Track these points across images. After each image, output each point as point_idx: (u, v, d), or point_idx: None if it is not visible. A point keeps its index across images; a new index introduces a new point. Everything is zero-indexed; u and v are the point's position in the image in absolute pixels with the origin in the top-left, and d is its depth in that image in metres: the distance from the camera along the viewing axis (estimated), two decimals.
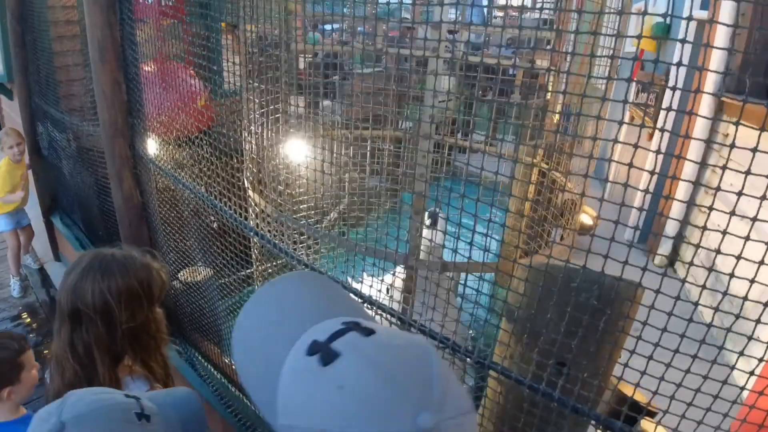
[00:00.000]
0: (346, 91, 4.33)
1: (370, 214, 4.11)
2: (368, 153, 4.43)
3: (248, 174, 2.47)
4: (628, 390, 1.37)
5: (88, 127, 3.54)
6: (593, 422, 1.31)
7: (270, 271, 2.87)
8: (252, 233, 1.96)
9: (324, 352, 0.58)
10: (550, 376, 1.34)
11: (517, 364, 1.45)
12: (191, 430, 1.12)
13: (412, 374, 0.56)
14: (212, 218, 2.14)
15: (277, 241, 1.95)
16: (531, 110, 3.85)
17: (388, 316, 1.68)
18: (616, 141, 1.11)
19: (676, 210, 4.27)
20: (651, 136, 5.08)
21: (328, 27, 5.76)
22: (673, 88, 1.04)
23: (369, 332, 0.60)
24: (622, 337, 1.31)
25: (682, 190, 4.23)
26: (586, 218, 3.84)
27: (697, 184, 2.13)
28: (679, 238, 4.29)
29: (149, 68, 2.54)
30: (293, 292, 0.77)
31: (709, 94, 3.84)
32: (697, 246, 1.13)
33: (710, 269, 1.09)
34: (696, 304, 1.16)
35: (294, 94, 3.28)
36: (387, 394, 0.53)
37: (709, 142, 3.90)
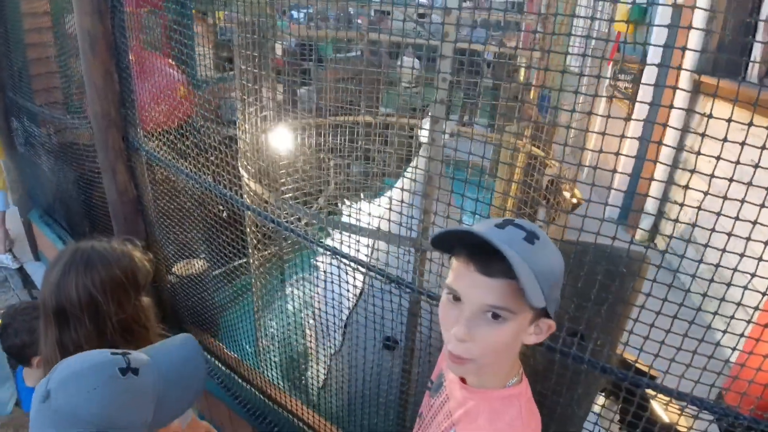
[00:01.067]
0: (321, 78, 4.30)
1: (355, 199, 4.10)
2: (347, 139, 4.42)
3: (244, 160, 2.44)
4: (630, 357, 1.45)
5: (72, 120, 3.45)
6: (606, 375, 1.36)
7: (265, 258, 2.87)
8: (269, 221, 1.94)
9: None
10: (565, 344, 1.39)
11: None
12: (190, 368, 1.14)
13: None
14: (221, 207, 2.12)
15: (296, 229, 1.94)
16: (508, 94, 3.88)
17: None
18: (591, 132, 1.14)
19: (655, 187, 4.35)
20: (629, 114, 5.17)
21: (295, 14, 5.73)
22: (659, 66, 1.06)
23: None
24: (629, 306, 1.38)
25: (660, 170, 4.31)
26: (567, 195, 3.90)
27: (673, 166, 2.19)
28: (659, 216, 4.39)
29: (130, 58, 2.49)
30: None
31: (686, 70, 3.91)
32: (675, 221, 1.22)
33: (688, 241, 1.17)
34: (676, 271, 1.21)
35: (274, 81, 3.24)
36: None
37: (688, 112, 3.97)
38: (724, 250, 1.09)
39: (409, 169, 2.94)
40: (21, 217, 4.85)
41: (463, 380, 1.12)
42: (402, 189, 1.75)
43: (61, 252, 1.51)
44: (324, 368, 2.52)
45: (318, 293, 2.32)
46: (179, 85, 3.43)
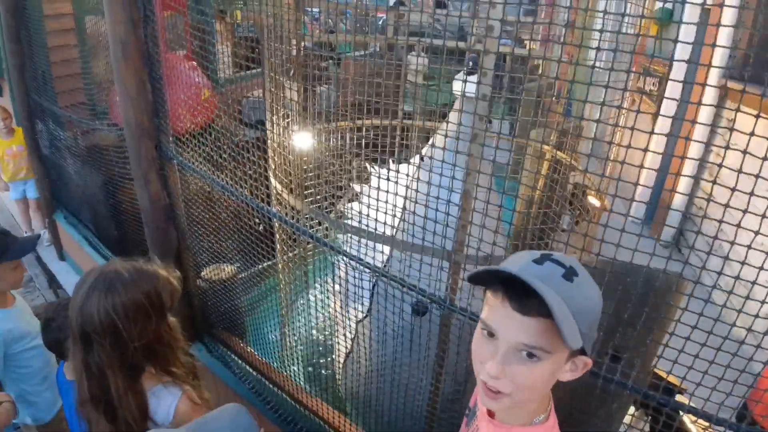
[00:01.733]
0: (340, 79, 4.28)
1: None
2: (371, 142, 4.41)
3: (272, 164, 2.45)
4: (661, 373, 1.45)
5: (99, 126, 3.48)
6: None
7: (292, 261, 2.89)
8: (296, 230, 1.95)
9: None
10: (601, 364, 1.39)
11: None
12: None
13: None
14: (257, 220, 2.13)
15: (321, 238, 1.95)
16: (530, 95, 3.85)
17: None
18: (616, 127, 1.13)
19: (680, 196, 4.32)
20: (653, 122, 5.11)
21: (311, 11, 5.69)
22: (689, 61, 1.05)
23: None
24: (663, 331, 1.38)
25: (684, 181, 4.27)
26: (593, 201, 3.87)
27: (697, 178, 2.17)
28: (683, 223, 4.37)
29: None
30: None
31: (715, 67, 3.87)
32: (697, 233, 1.21)
33: (709, 253, 1.17)
34: (696, 282, 1.22)
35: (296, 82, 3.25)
36: None
37: (713, 127, 3.94)
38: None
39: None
40: (46, 217, 4.90)
41: (490, 413, 1.12)
42: (437, 198, 1.74)
43: (85, 274, 1.51)
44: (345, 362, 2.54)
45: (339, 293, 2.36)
46: (203, 87, 3.46)
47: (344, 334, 2.44)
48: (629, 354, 1.39)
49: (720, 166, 1.07)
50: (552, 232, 3.10)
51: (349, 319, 2.40)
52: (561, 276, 0.91)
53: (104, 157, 3.58)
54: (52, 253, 5.04)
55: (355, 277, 2.02)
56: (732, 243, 1.08)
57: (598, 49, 1.33)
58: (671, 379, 1.49)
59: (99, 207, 3.86)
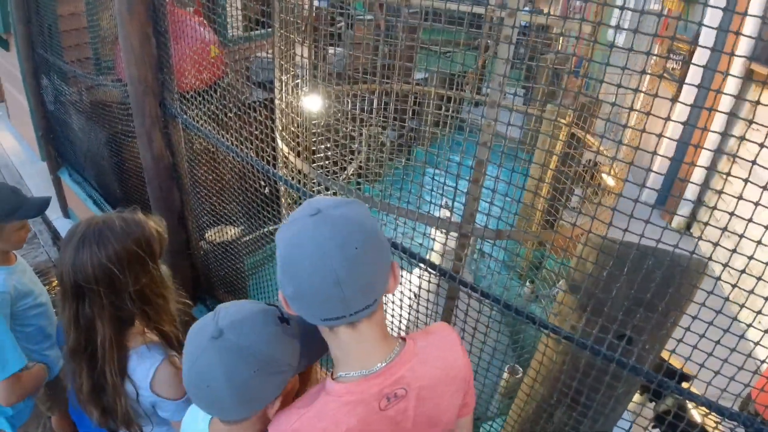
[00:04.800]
0: (352, 40, 4.18)
1: (386, 170, 4.04)
2: (382, 107, 4.32)
3: (278, 125, 2.38)
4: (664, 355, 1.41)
5: (103, 82, 3.41)
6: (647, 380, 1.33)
7: None
8: (301, 193, 1.90)
9: None
10: (613, 346, 1.35)
11: (577, 332, 1.46)
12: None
13: None
14: (262, 183, 2.08)
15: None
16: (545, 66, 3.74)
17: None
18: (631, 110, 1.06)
19: (697, 175, 4.23)
20: (675, 98, 4.99)
21: None
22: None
23: None
24: (681, 314, 1.33)
25: (704, 157, 4.18)
26: (608, 178, 3.80)
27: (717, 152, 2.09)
28: (698, 204, 4.29)
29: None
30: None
31: (739, 56, 3.74)
32: (713, 208, 1.17)
33: (723, 229, 1.11)
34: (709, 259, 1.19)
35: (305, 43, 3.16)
36: None
37: (737, 99, 3.83)
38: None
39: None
40: (50, 174, 4.86)
41: None
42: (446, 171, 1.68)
43: (73, 228, 1.51)
44: None
45: None
46: (210, 44, 3.37)
47: None
48: (645, 337, 1.35)
49: (734, 157, 1.01)
50: (563, 208, 3.05)
51: None
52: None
53: (108, 113, 3.51)
54: (57, 210, 5.02)
55: None
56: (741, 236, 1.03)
57: (617, 27, 1.25)
58: (674, 362, 1.46)
59: (103, 165, 3.82)
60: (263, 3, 2.21)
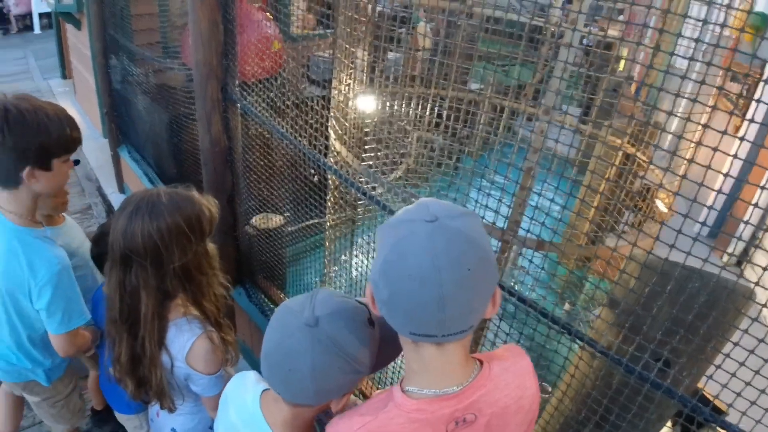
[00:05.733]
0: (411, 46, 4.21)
1: (435, 175, 4.05)
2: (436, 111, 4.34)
3: (333, 122, 2.43)
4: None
5: (170, 65, 3.53)
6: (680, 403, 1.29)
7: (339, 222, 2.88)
8: (350, 185, 1.93)
9: None
10: (648, 366, 1.33)
11: (613, 348, 1.43)
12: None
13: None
14: (312, 171, 2.12)
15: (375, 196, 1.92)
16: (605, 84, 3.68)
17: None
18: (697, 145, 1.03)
19: (755, 210, 4.06)
20: (737, 129, 4.83)
21: None
22: None
23: None
24: (724, 340, 1.29)
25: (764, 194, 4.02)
26: (660, 204, 3.71)
27: None
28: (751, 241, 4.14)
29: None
30: None
31: None
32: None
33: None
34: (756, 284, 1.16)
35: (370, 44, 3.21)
36: None
37: None
38: None
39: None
40: (111, 150, 5.05)
41: None
42: (494, 172, 1.68)
43: (128, 197, 1.56)
44: None
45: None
46: (273, 39, 3.47)
47: None
48: (683, 360, 1.32)
49: None
50: (611, 229, 3.00)
51: None
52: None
53: (172, 96, 3.65)
54: (113, 185, 5.22)
55: None
56: None
57: (690, 58, 1.21)
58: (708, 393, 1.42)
59: (161, 145, 3.95)
60: (326, 5, 2.27)
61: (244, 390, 1.27)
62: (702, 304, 1.23)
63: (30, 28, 13.42)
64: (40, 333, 1.92)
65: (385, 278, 0.88)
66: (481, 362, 1.04)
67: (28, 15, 13.41)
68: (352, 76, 2.31)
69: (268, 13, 3.49)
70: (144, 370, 1.58)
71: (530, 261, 1.84)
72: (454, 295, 0.84)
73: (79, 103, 7.34)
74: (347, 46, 2.24)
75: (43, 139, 1.64)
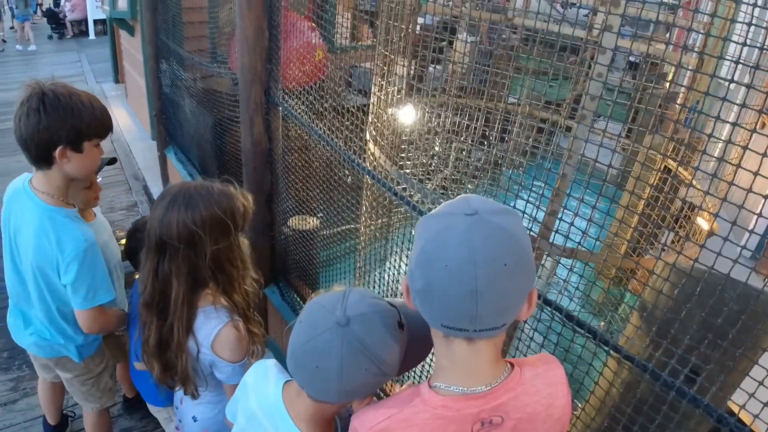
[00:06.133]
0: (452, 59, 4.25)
1: (471, 186, 4.07)
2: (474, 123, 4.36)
3: (371, 128, 2.49)
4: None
5: (218, 69, 3.66)
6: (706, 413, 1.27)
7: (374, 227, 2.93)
8: (387, 189, 1.98)
9: None
10: (676, 373, 1.30)
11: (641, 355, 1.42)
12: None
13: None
14: (346, 172, 2.18)
15: (411, 201, 1.96)
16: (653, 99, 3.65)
17: None
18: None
19: None
20: None
21: None
22: None
23: None
24: (760, 350, 1.26)
25: None
26: (703, 223, 3.63)
27: None
28: None
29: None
30: None
31: None
32: None
33: None
34: None
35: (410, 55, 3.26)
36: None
37: None
38: None
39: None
40: (158, 151, 5.24)
41: None
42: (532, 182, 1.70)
43: (167, 189, 1.63)
44: None
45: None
46: (318, 48, 3.56)
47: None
48: (713, 367, 1.30)
49: None
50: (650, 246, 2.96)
51: None
52: None
53: (217, 100, 3.78)
54: (159, 184, 5.41)
55: None
56: None
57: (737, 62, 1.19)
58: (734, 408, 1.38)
59: (206, 146, 4.09)
60: (372, 16, 2.34)
61: (266, 380, 1.29)
62: (735, 311, 1.21)
63: (85, 33, 13.98)
64: (70, 308, 1.99)
65: (422, 268, 0.88)
66: (512, 365, 1.03)
67: (84, 21, 13.98)
68: (391, 86, 2.37)
69: (313, 24, 3.60)
70: (171, 354, 1.64)
71: (570, 269, 1.83)
72: (488, 290, 0.84)
73: (130, 105, 7.62)
74: (386, 53, 2.30)
75: (75, 122, 1.74)
